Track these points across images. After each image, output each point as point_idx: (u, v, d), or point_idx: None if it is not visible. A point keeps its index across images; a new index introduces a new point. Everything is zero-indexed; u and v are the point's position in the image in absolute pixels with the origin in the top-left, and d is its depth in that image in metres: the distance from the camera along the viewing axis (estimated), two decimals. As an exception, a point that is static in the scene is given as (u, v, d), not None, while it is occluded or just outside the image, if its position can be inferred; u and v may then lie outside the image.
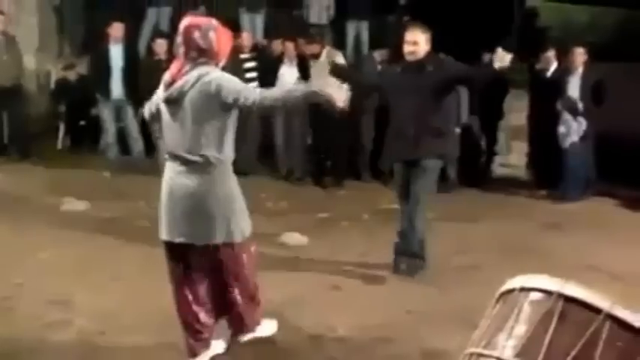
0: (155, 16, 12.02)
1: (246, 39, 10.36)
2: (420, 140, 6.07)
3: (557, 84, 9.63)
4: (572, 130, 9.31)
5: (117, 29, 9.99)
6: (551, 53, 10.02)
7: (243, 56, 10.16)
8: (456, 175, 9.96)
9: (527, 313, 2.57)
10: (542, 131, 9.91)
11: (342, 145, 10.08)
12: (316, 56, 9.71)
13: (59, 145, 11.54)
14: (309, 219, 7.97)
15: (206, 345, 4.35)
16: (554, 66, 9.96)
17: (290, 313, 5.12)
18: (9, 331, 4.73)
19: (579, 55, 9.47)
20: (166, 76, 4.13)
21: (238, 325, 4.44)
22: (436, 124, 6.14)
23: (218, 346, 4.44)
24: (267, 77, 9.93)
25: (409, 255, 6.26)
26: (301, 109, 9.34)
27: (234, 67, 9.69)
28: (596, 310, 2.44)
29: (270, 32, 12.01)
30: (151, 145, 10.19)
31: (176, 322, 4.72)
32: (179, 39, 4.10)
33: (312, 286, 5.82)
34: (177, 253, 4.27)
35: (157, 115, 4.28)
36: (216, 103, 3.98)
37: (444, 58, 7.06)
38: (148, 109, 4.41)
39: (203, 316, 4.32)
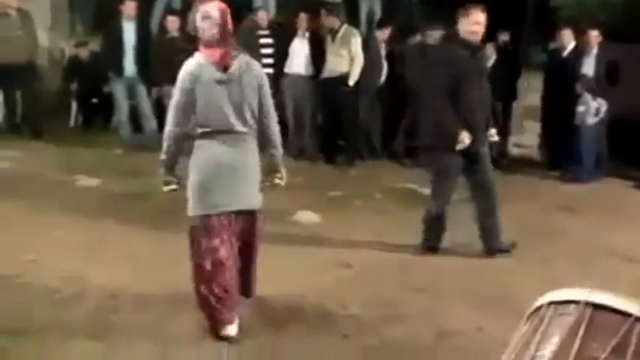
0: (168, -6, 11.99)
1: (262, 17, 10.34)
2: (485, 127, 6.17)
3: (573, 64, 9.56)
4: (591, 110, 9.26)
5: (129, 7, 9.94)
6: (567, 32, 9.92)
7: (260, 32, 10.15)
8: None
9: (555, 324, 2.55)
10: (556, 111, 9.85)
11: (354, 125, 10.06)
12: (334, 32, 9.70)
13: (72, 123, 11.54)
14: (321, 197, 7.96)
15: (236, 314, 4.44)
16: (571, 45, 9.85)
17: (302, 290, 5.13)
18: (23, 306, 4.74)
19: (594, 37, 9.42)
20: (215, 59, 4.33)
21: (247, 290, 4.67)
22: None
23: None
24: (282, 52, 10.01)
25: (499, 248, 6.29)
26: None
27: (252, 42, 9.76)
28: (625, 314, 2.41)
29: (283, 10, 11.95)
30: (163, 123, 10.17)
31: (189, 298, 4.75)
32: (214, 22, 4.32)
33: (324, 263, 5.83)
34: (220, 224, 4.37)
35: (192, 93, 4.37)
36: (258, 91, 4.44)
37: None
38: (183, 89, 4.43)
39: (233, 285, 4.43)
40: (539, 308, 2.70)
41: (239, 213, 4.43)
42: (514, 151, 11.21)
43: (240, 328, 4.43)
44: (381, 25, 10.67)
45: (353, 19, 11.72)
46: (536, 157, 10.83)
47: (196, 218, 4.40)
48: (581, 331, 2.43)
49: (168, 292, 5.02)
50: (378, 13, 12.72)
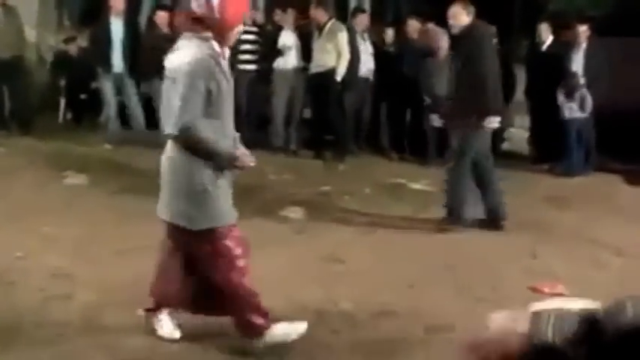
0: (156, -11, 11.94)
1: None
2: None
3: (554, 57, 9.61)
4: (576, 103, 9.30)
5: (118, 2, 9.91)
6: (545, 26, 9.98)
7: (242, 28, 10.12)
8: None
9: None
10: (541, 106, 9.89)
11: (341, 119, 10.06)
12: (321, 27, 9.70)
13: (60, 119, 11.50)
14: (311, 193, 7.95)
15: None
16: (549, 39, 9.92)
17: (293, 287, 5.12)
18: (11, 304, 4.72)
19: (582, 32, 9.45)
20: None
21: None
22: None
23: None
24: (268, 50, 10.01)
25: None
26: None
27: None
28: None
29: (271, 4, 11.93)
30: (151, 119, 10.16)
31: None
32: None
33: (315, 260, 5.82)
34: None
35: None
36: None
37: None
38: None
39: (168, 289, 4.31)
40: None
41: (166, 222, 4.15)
42: (503, 145, 11.21)
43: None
44: (355, 14, 10.71)
45: (343, 14, 11.71)
46: (525, 151, 10.85)
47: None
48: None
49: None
50: (367, 8, 12.69)
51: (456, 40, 7.09)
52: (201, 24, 3.86)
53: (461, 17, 6.68)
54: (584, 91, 9.29)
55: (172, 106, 3.89)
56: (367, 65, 10.19)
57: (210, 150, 3.91)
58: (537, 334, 1.75)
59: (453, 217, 6.74)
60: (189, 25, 3.89)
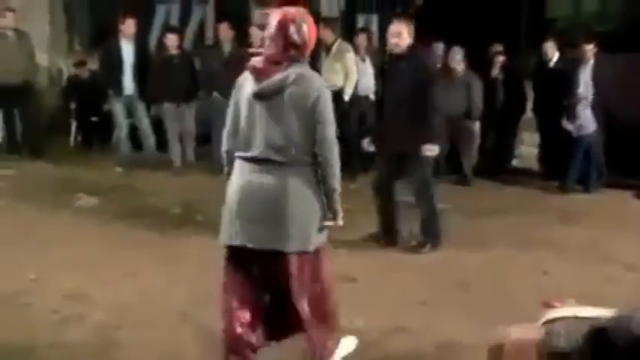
0: (165, 12, 12.05)
1: (254, 34, 10.37)
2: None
3: (561, 74, 9.65)
4: (585, 120, 9.32)
5: (129, 25, 9.98)
6: (551, 44, 10.02)
7: (251, 50, 10.18)
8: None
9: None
10: (549, 122, 9.91)
11: (353, 138, 10.07)
12: (328, 47, 9.74)
13: (71, 142, 11.57)
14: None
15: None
16: (555, 56, 9.96)
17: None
18: (25, 325, 4.74)
19: (589, 50, 9.49)
20: (253, 67, 3.91)
21: (276, 333, 4.23)
22: None
23: None
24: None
25: None
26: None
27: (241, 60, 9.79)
28: None
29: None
30: (162, 141, 10.23)
31: (190, 318, 4.77)
32: (269, 32, 3.89)
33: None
34: (239, 258, 4.01)
35: (235, 107, 4.00)
36: (309, 112, 3.85)
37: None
38: (231, 102, 4.04)
39: (244, 330, 4.04)
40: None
41: (264, 252, 3.90)
42: (513, 162, 11.23)
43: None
44: (356, 33, 10.68)
45: (351, 35, 11.78)
46: (535, 168, 10.85)
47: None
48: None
49: (170, 311, 5.02)
50: (375, 30, 12.76)
51: (397, 60, 6.57)
52: (298, 50, 3.88)
53: (405, 36, 6.43)
54: (587, 107, 9.30)
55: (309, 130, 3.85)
56: (366, 85, 10.11)
57: (337, 171, 3.96)
58: (550, 344, 1.78)
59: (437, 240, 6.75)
60: (290, 53, 3.85)
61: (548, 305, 5.14)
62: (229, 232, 3.94)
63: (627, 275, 6.08)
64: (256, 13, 12.06)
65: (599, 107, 9.34)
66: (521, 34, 12.67)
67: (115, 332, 4.71)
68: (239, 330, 3.99)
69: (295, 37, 3.83)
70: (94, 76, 11.32)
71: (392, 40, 6.46)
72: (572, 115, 9.34)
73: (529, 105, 10.44)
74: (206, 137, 10.27)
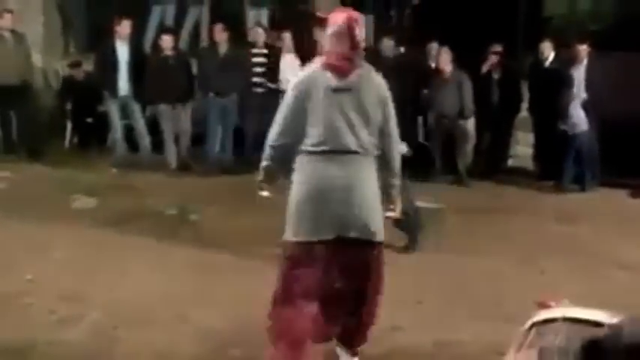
0: (160, 13, 12.03)
1: (260, 35, 10.43)
2: None
3: (557, 73, 9.67)
4: (578, 119, 9.35)
5: (124, 26, 9.98)
6: (546, 43, 10.05)
7: (254, 51, 10.26)
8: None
9: (535, 344, 2.70)
10: (544, 122, 9.94)
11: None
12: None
13: (67, 144, 11.56)
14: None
15: None
16: (551, 56, 9.99)
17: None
18: (23, 326, 4.75)
19: (582, 50, 9.52)
20: (333, 63, 4.00)
21: (349, 339, 4.29)
22: None
23: None
24: (275, 71, 10.17)
25: None
26: None
27: (244, 60, 9.88)
28: (599, 325, 2.53)
29: (275, 27, 12.01)
30: (157, 142, 10.23)
31: (187, 318, 4.78)
32: (337, 31, 4.00)
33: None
34: (317, 253, 4.01)
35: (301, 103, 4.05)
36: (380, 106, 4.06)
37: None
38: (293, 96, 4.07)
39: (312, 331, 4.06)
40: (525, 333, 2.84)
41: (346, 243, 3.98)
42: (509, 162, 11.25)
43: (247, 346, 4.45)
44: None
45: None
46: (531, 167, 10.87)
47: (289, 244, 4.07)
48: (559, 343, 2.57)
49: (167, 310, 5.03)
50: (370, 30, 12.75)
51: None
52: (360, 48, 4.04)
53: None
54: (580, 106, 9.33)
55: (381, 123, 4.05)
56: None
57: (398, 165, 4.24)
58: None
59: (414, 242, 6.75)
60: (356, 51, 4.01)
61: (544, 305, 5.18)
62: (306, 228, 3.99)
63: (623, 274, 6.11)
64: (251, 14, 12.05)
65: (593, 106, 9.36)
66: (518, 33, 12.67)
67: (112, 332, 4.72)
68: (304, 325, 4.01)
69: (359, 36, 4.00)
70: (90, 77, 11.30)
71: None
72: (564, 114, 9.37)
73: (524, 105, 10.45)
74: (200, 138, 10.30)
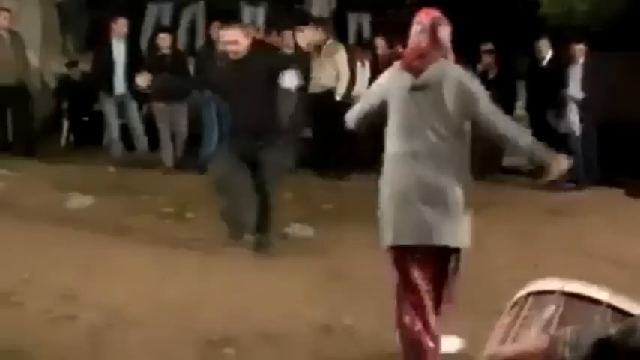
0: (156, 11, 12.04)
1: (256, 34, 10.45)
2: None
3: (554, 73, 9.68)
4: (574, 118, 9.37)
5: (121, 25, 9.99)
6: (544, 42, 10.07)
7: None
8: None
9: (532, 313, 2.72)
10: (541, 120, 9.94)
11: (344, 137, 10.08)
12: (319, 47, 9.77)
13: (63, 142, 11.56)
14: (314, 211, 7.99)
15: None
16: (549, 55, 10.01)
17: (299, 303, 5.15)
18: (17, 325, 4.76)
19: (578, 50, 9.54)
20: (407, 62, 4.10)
21: None
22: None
23: None
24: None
25: None
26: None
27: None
28: (598, 302, 2.56)
29: (270, 25, 12.02)
30: (154, 141, 10.24)
31: (184, 317, 4.78)
32: (423, 30, 4.08)
33: (319, 276, 5.85)
34: (405, 258, 4.11)
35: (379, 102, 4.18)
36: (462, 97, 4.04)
37: None
38: (373, 93, 4.31)
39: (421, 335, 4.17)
40: (519, 299, 2.82)
41: (430, 249, 4.05)
42: (504, 160, 11.25)
43: (241, 345, 4.45)
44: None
45: (342, 35, 11.82)
46: (526, 165, 10.87)
47: (386, 249, 4.17)
48: (556, 319, 2.58)
49: (163, 309, 5.04)
50: (367, 29, 12.78)
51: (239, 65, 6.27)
52: (441, 47, 4.12)
53: (244, 41, 6.25)
54: (575, 106, 9.35)
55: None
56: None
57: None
58: (554, 354, 1.81)
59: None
60: (437, 48, 4.09)
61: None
62: (391, 232, 4.09)
63: (617, 272, 6.10)
64: (247, 12, 12.06)
65: (590, 106, 9.37)
66: (514, 31, 12.68)
67: (108, 331, 4.73)
68: (418, 327, 4.13)
69: (442, 35, 4.08)
70: (86, 76, 11.32)
71: (230, 48, 6.25)
72: (559, 113, 9.39)
73: (519, 104, 10.47)
74: (196, 137, 10.31)
